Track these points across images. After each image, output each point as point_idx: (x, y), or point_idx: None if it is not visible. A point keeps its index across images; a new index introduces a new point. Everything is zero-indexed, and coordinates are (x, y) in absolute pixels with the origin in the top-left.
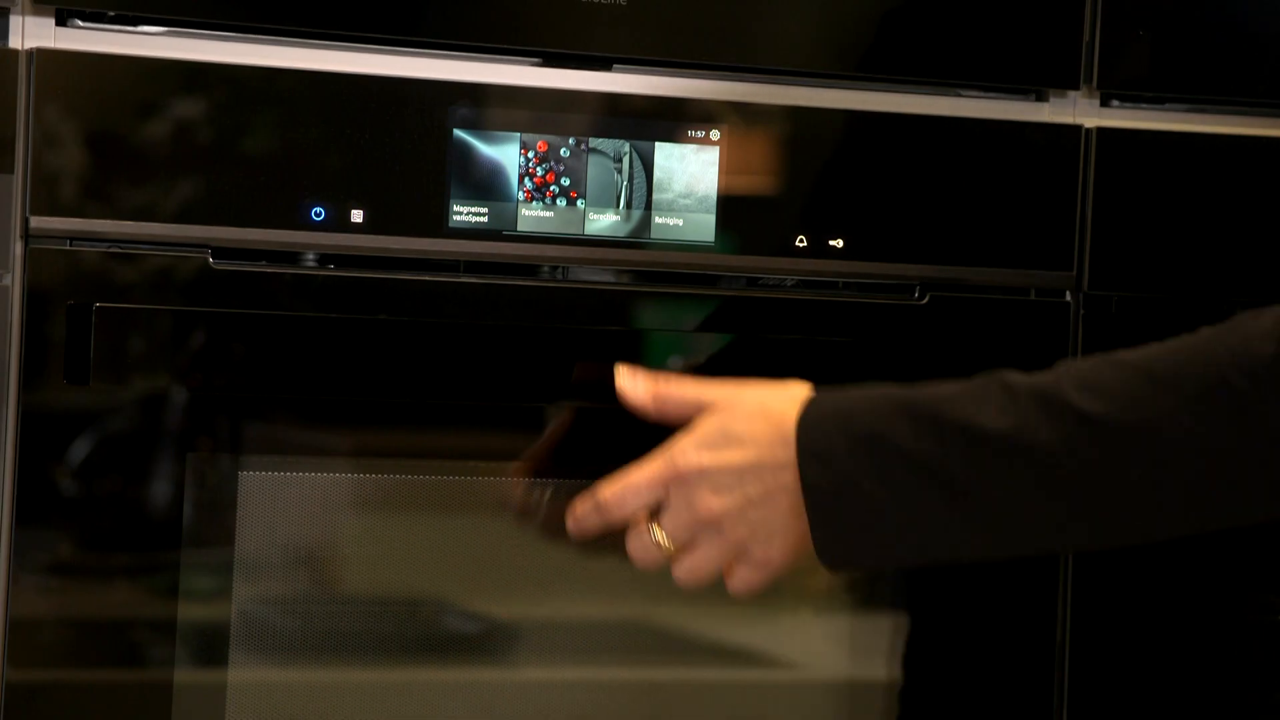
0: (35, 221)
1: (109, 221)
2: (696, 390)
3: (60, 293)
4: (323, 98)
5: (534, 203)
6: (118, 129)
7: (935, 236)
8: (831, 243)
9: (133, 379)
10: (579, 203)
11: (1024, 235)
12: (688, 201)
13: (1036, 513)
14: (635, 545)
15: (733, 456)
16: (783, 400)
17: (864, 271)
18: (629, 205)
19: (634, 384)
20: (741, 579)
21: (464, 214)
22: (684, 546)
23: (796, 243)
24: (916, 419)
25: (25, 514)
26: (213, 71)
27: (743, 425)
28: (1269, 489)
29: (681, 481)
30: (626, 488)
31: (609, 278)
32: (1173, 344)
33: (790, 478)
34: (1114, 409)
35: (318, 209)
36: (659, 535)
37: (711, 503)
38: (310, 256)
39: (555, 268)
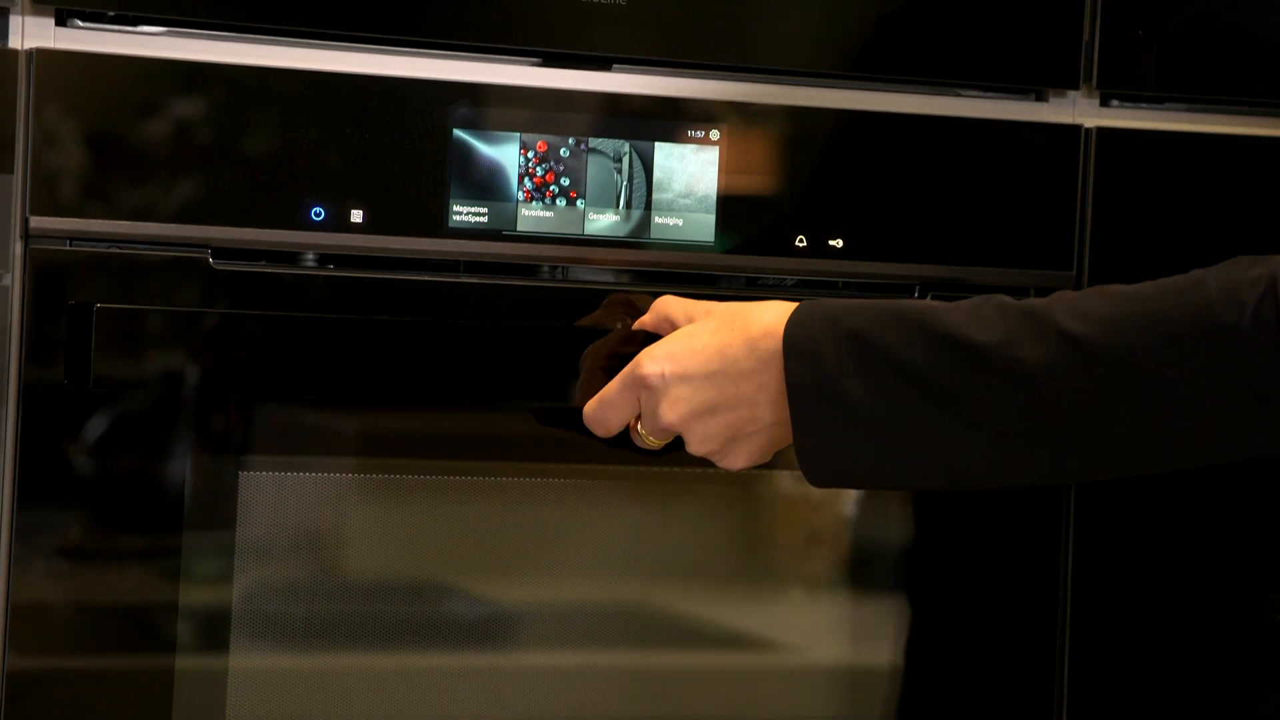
0: (35, 221)
1: (109, 221)
2: (685, 301)
3: (60, 293)
4: (322, 98)
5: (534, 203)
6: (117, 129)
7: (935, 236)
8: (831, 242)
9: (133, 379)
10: (579, 203)
11: (1023, 235)
12: (687, 201)
13: (1016, 430)
14: (634, 440)
15: (692, 363)
16: (761, 309)
17: (864, 271)
18: (629, 205)
19: (665, 303)
20: (729, 462)
21: (464, 214)
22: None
23: (796, 242)
24: (905, 325)
25: (26, 514)
26: (212, 71)
27: (708, 335)
28: (1243, 429)
29: (647, 389)
30: (601, 402)
31: (609, 278)
32: (1166, 280)
33: (768, 379)
34: (1098, 333)
35: (317, 209)
36: (646, 438)
37: (677, 408)
38: (310, 256)
39: (555, 267)
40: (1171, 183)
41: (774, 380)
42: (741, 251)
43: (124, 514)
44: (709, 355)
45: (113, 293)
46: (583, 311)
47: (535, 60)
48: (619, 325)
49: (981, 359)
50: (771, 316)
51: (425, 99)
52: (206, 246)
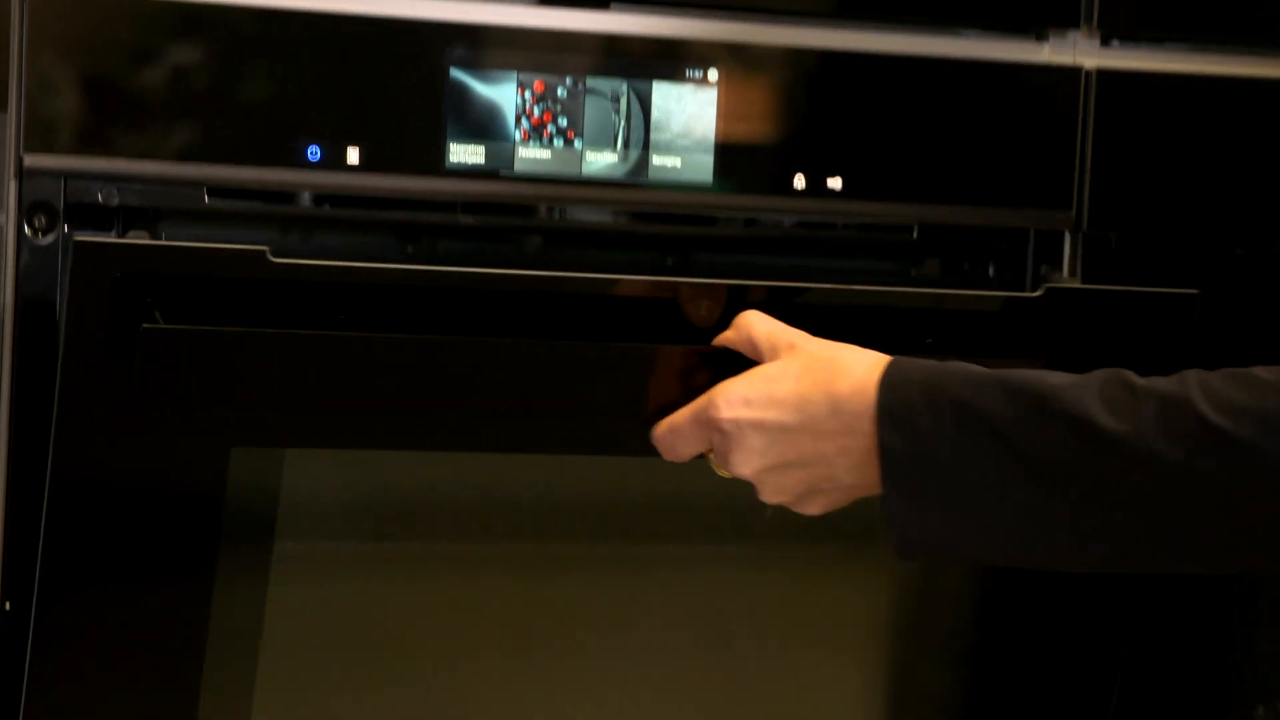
0: (29, 160)
1: (104, 159)
2: (770, 324)
3: (55, 231)
4: (319, 38)
5: (531, 143)
6: (112, 68)
7: (934, 177)
8: (830, 183)
9: (125, 315)
10: (576, 143)
11: (1023, 175)
12: (685, 142)
13: (1141, 522)
14: (708, 462)
15: (770, 413)
16: (849, 361)
17: (862, 212)
18: (626, 146)
19: (748, 320)
20: (802, 510)
21: (461, 154)
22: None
23: (794, 183)
24: (1017, 398)
25: (19, 450)
26: (208, 11)
27: (790, 382)
28: None
29: (720, 433)
30: (671, 431)
31: (606, 218)
32: None
33: (851, 442)
34: (1247, 430)
35: (314, 148)
36: (718, 469)
37: (750, 461)
38: (306, 196)
39: (552, 208)
40: (1171, 123)
41: (859, 444)
42: (739, 192)
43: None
44: (788, 407)
45: (106, 230)
46: (581, 252)
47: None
48: (700, 312)
49: (1109, 447)
50: (860, 371)
51: (422, 39)
52: (202, 185)
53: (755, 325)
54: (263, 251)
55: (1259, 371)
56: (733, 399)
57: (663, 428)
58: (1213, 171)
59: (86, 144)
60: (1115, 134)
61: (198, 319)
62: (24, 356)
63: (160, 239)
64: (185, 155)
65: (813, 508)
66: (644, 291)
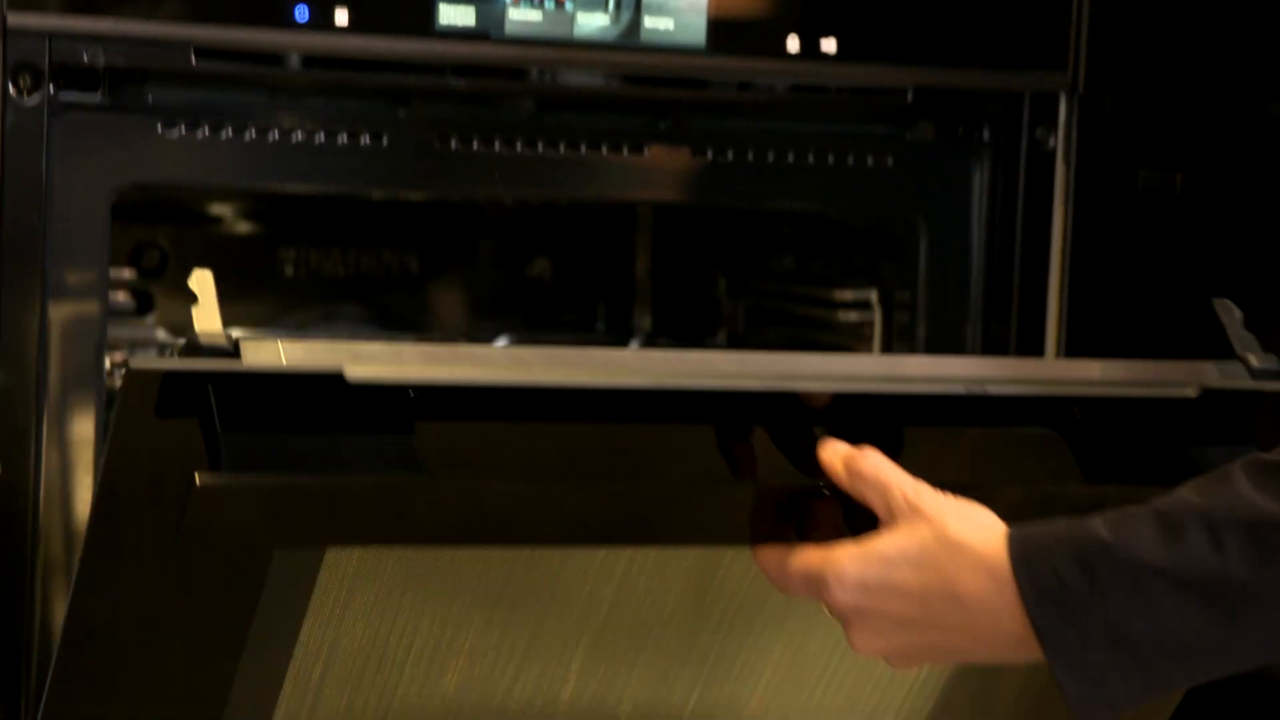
0: (14, 19)
1: (89, 19)
2: (887, 477)
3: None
4: None
5: (522, 4)
6: None
7: (929, 39)
8: (824, 45)
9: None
10: (567, 4)
11: (1018, 37)
12: (678, 3)
13: None
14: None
15: (889, 606)
16: (972, 547)
17: (856, 74)
18: (618, 7)
19: (833, 452)
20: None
21: (451, 15)
22: None
23: (788, 45)
24: (1164, 521)
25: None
26: None
27: (910, 571)
28: None
29: (836, 610)
30: (784, 573)
31: (598, 81)
32: None
33: (993, 631)
34: None
35: (302, 7)
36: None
37: (870, 645)
38: (295, 59)
39: (543, 71)
40: None
41: (1003, 629)
42: (732, 54)
43: None
44: (911, 599)
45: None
46: (573, 117)
47: None
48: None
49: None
50: (987, 555)
51: None
52: (189, 46)
53: (875, 473)
54: (339, 373)
55: None
56: (846, 583)
57: (773, 566)
58: (1211, 31)
59: (72, 3)
60: None
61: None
62: (9, 215)
63: (148, 101)
64: (172, 15)
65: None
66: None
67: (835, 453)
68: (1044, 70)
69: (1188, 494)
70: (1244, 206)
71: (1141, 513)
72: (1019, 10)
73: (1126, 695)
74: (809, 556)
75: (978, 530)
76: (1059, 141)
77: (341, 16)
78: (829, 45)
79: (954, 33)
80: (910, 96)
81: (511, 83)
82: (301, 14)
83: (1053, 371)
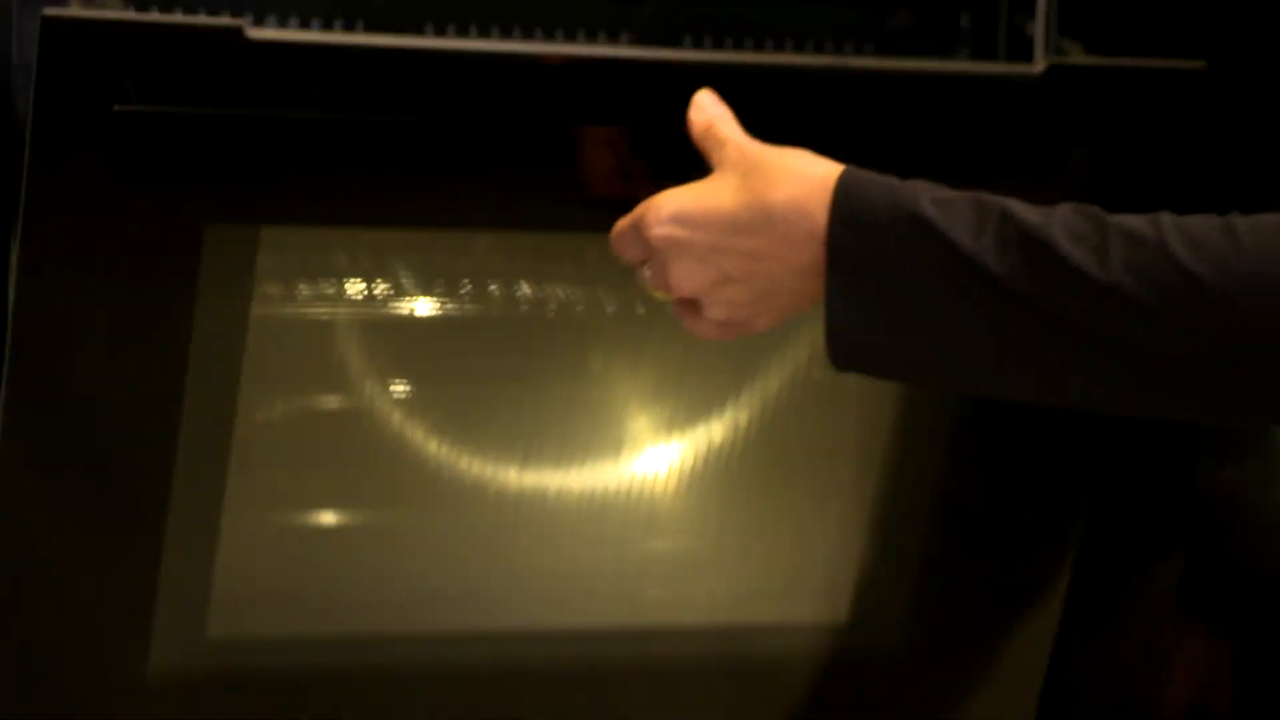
0: None
1: None
2: (725, 134)
3: None
4: None
5: None
6: None
7: None
8: None
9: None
10: None
11: None
12: None
13: (1091, 352)
14: (639, 279)
15: (701, 235)
16: (797, 168)
17: None
18: None
19: (700, 112)
20: (703, 331)
21: None
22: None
23: None
24: (978, 216)
25: None
26: None
27: (728, 193)
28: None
29: (653, 247)
30: (617, 237)
31: None
32: None
33: (797, 249)
34: (1218, 274)
35: None
36: (648, 285)
37: (686, 280)
38: None
39: None
40: None
41: (805, 250)
42: None
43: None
44: (722, 221)
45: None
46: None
47: None
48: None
49: (1067, 275)
50: (813, 176)
51: None
52: None
53: (694, 124)
54: (239, 27)
55: (1237, 218)
56: (664, 213)
57: (613, 231)
58: None
59: None
60: None
61: (173, 95)
62: None
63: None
64: None
65: (760, 324)
66: None
67: (700, 109)
68: None
69: (1015, 203)
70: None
71: (963, 197)
72: None
73: (879, 351)
74: (638, 208)
75: (812, 159)
76: (1038, 29)
77: None
78: None
79: None
80: None
81: None
82: None
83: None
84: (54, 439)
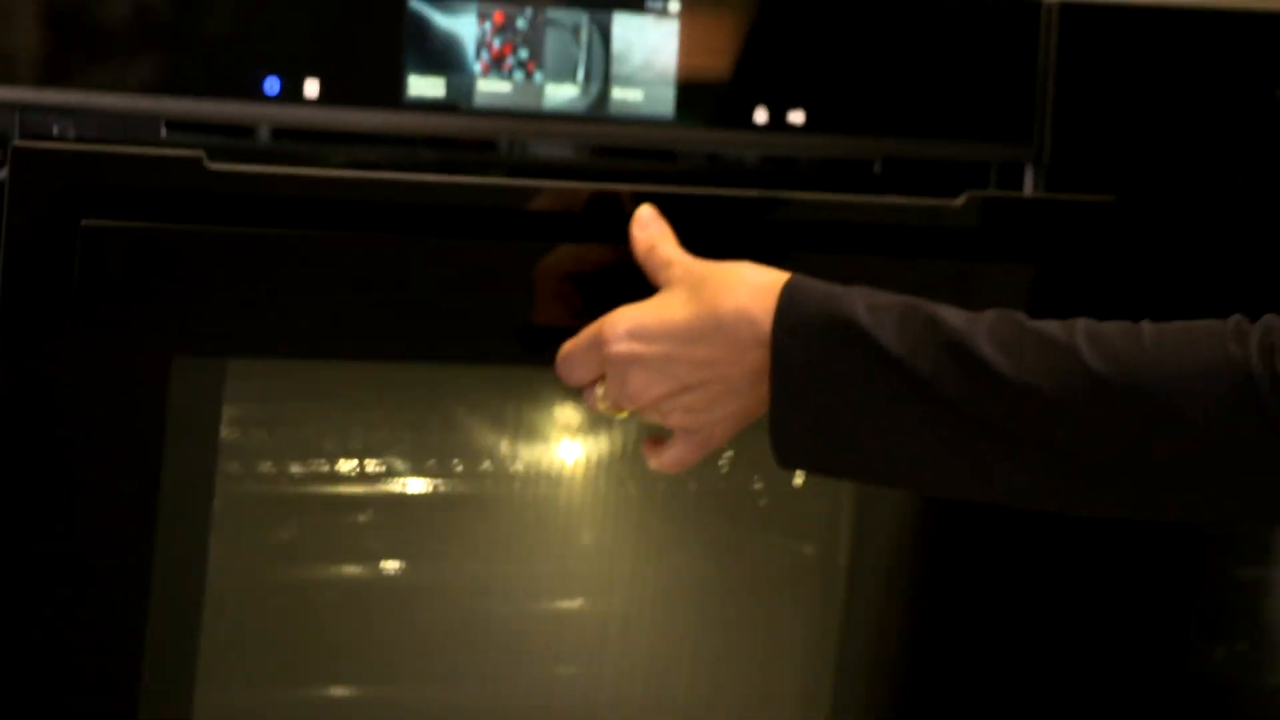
0: None
1: (59, 92)
2: (669, 254)
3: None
4: None
5: (491, 75)
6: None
7: (896, 110)
8: (791, 116)
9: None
10: (536, 75)
11: (984, 108)
12: (647, 75)
13: (1011, 454)
14: (587, 399)
15: (656, 348)
16: (731, 285)
17: (824, 145)
18: (587, 79)
19: (643, 229)
20: (670, 458)
21: (421, 86)
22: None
23: (756, 117)
24: (906, 322)
25: None
26: None
27: (679, 306)
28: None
29: (611, 363)
30: (566, 359)
31: (568, 153)
32: (1198, 325)
33: (746, 353)
34: (1120, 375)
35: (272, 80)
36: (602, 403)
37: (644, 392)
38: (264, 130)
39: (513, 143)
40: (1133, 55)
41: (753, 355)
42: (701, 126)
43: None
44: (677, 333)
45: (64, 167)
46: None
47: None
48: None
49: (988, 378)
50: (759, 286)
51: None
52: (160, 118)
53: (637, 242)
54: (199, 158)
55: (1146, 325)
56: (620, 329)
57: (560, 354)
58: (1175, 104)
59: (42, 76)
60: (1077, 66)
61: (142, 213)
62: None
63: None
64: (142, 88)
65: (719, 434)
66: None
67: (643, 226)
68: (1009, 142)
69: (944, 310)
70: (1210, 275)
71: (895, 303)
72: (985, 82)
73: (820, 452)
74: (589, 328)
75: (756, 270)
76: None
77: (311, 88)
78: (796, 117)
79: (922, 105)
80: (878, 167)
81: (481, 154)
82: (272, 86)
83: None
84: (17, 594)
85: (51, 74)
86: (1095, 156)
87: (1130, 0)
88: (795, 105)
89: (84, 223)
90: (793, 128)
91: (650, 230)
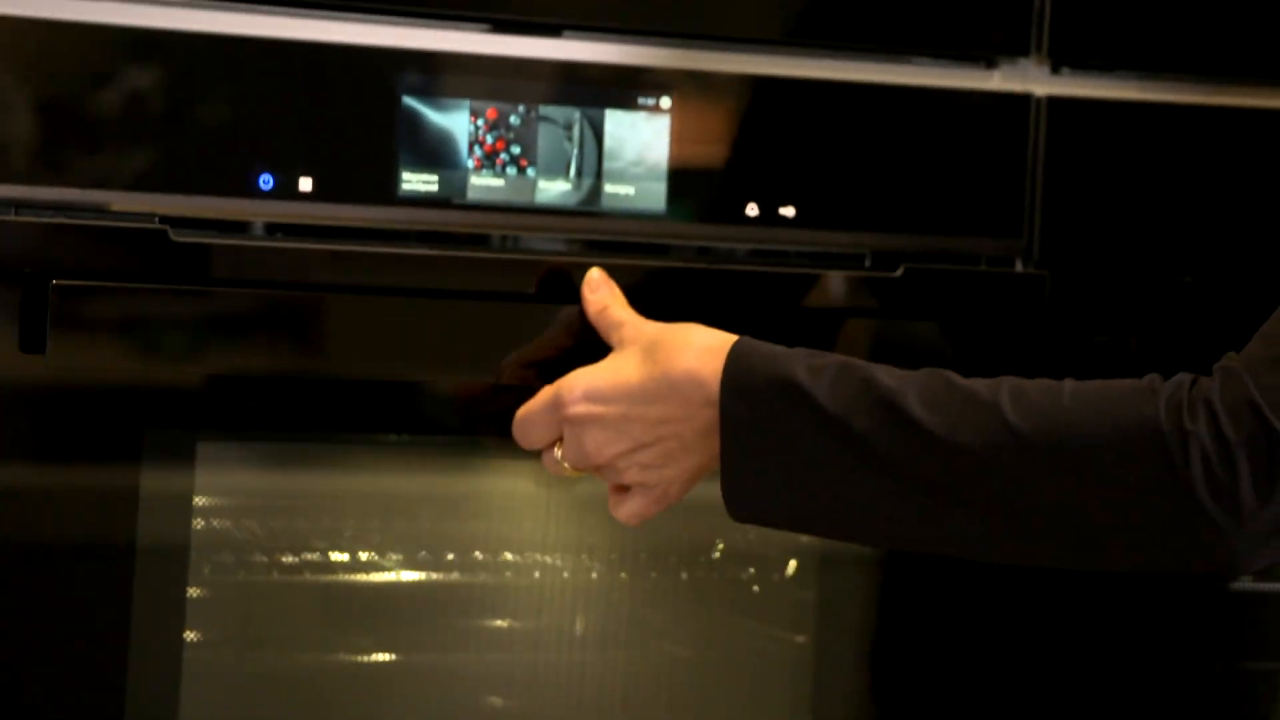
0: None
1: (54, 189)
2: (620, 316)
3: (7, 260)
4: (271, 64)
5: (484, 171)
6: (65, 95)
7: (886, 205)
8: (782, 211)
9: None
10: (529, 171)
11: (975, 203)
12: (638, 170)
13: (940, 507)
14: (546, 461)
15: (614, 410)
16: (682, 347)
17: (815, 240)
18: (579, 174)
19: (594, 291)
20: (630, 510)
21: (414, 182)
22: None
23: (747, 211)
24: (842, 382)
25: None
26: (161, 38)
27: (632, 367)
28: (1161, 537)
29: (569, 424)
30: (523, 422)
31: (560, 247)
32: (1115, 385)
33: (697, 411)
34: (1039, 432)
35: (266, 177)
36: (562, 463)
37: (602, 450)
38: (259, 225)
39: (506, 237)
40: (1122, 151)
41: (704, 412)
42: (692, 220)
43: (78, 494)
44: (631, 393)
45: (58, 261)
46: (534, 281)
47: (485, 26)
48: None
49: (916, 435)
50: (708, 345)
51: (374, 65)
52: (154, 216)
53: (589, 304)
54: (164, 230)
55: (1068, 382)
56: (577, 391)
57: (517, 418)
58: (1163, 198)
59: (37, 173)
60: (1066, 162)
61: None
62: None
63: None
64: (137, 185)
65: (674, 491)
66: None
67: (594, 288)
68: (999, 236)
69: (879, 370)
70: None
71: (833, 365)
72: (975, 178)
73: (770, 507)
74: (545, 391)
75: (706, 331)
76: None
77: (305, 184)
78: (788, 211)
79: (911, 199)
80: (868, 260)
81: (473, 250)
82: (266, 182)
83: None
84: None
85: (45, 171)
86: (1086, 247)
87: (1117, 95)
88: (786, 200)
89: (54, 282)
90: (784, 221)
91: (601, 293)
